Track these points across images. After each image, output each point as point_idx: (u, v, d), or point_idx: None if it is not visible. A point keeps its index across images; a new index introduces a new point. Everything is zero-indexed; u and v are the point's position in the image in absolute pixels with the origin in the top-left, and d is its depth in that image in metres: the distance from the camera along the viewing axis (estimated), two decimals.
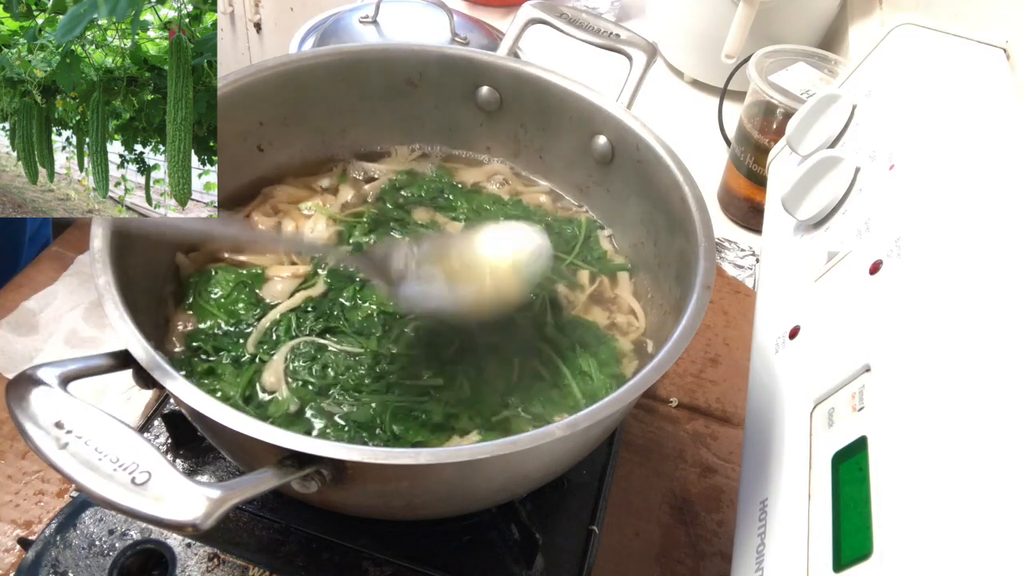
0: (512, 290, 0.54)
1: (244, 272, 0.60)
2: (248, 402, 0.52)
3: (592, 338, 0.60)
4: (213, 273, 0.59)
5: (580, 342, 0.59)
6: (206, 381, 0.53)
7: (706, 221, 0.54)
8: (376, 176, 0.70)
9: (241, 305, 0.58)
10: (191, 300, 0.58)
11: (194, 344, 0.55)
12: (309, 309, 0.58)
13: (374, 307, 0.58)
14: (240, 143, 0.65)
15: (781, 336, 0.53)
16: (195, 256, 0.61)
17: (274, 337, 0.56)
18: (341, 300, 0.59)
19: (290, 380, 0.53)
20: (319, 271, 0.61)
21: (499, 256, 0.54)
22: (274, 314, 0.57)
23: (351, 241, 0.64)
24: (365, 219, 0.66)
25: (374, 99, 0.69)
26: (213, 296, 0.58)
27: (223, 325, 0.57)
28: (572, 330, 0.60)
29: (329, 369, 0.54)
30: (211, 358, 0.55)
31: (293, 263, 0.62)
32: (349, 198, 0.68)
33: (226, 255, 0.62)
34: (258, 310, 0.58)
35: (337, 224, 0.65)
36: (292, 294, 0.59)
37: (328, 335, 0.57)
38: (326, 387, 0.53)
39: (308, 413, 0.52)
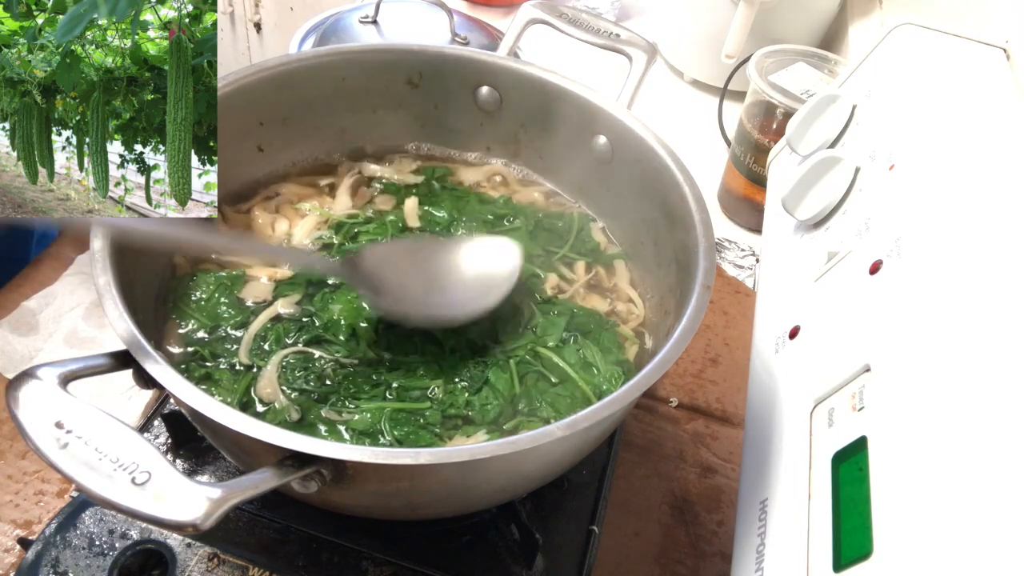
0: (488, 302, 0.57)
1: (224, 274, 0.59)
2: (244, 410, 0.52)
3: (593, 325, 0.60)
4: (193, 277, 0.59)
5: (580, 331, 0.59)
6: (203, 387, 0.53)
7: (706, 221, 0.54)
8: (374, 175, 0.70)
9: (223, 308, 0.57)
10: (172, 304, 0.57)
11: (191, 349, 0.55)
12: (286, 319, 0.57)
13: (344, 317, 0.57)
14: (240, 143, 0.65)
15: (781, 336, 0.53)
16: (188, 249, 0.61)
17: (265, 347, 0.56)
18: (313, 307, 0.58)
19: (286, 389, 0.53)
20: (295, 277, 0.60)
21: (479, 270, 0.58)
22: (259, 323, 0.57)
23: (340, 247, 0.64)
24: (359, 218, 0.66)
25: (374, 99, 0.69)
26: (194, 299, 0.58)
27: (211, 330, 0.56)
28: (569, 320, 0.60)
29: (326, 377, 0.54)
30: (208, 364, 0.54)
31: (273, 265, 0.62)
32: (346, 197, 0.68)
33: (214, 255, 0.62)
34: (239, 314, 0.57)
35: (328, 227, 0.65)
36: (272, 299, 0.59)
37: (314, 345, 0.56)
38: (324, 395, 0.53)
39: (310, 422, 0.52)
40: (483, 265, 0.59)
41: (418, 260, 0.59)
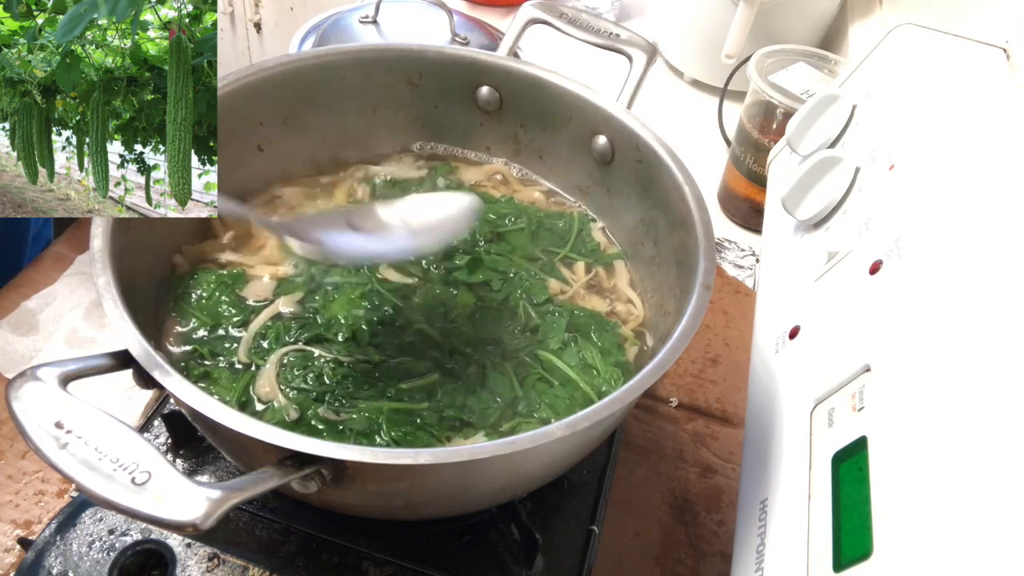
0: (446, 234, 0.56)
1: (225, 273, 0.60)
2: (243, 409, 0.52)
3: (594, 326, 0.60)
4: (194, 275, 0.59)
5: (580, 332, 0.59)
6: (202, 385, 0.53)
7: (706, 221, 0.54)
8: (376, 175, 0.70)
9: (224, 307, 0.57)
10: (173, 303, 0.57)
11: (190, 347, 0.55)
12: (287, 317, 0.57)
13: (344, 316, 0.57)
14: (240, 143, 0.65)
15: (781, 336, 0.53)
16: (188, 250, 0.61)
17: (264, 345, 0.56)
18: (315, 305, 0.58)
19: (283, 387, 0.53)
20: (298, 276, 0.61)
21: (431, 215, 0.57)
22: (259, 321, 0.57)
23: None
24: None
25: (374, 99, 0.69)
26: (194, 298, 0.58)
27: (212, 328, 0.56)
28: (570, 321, 0.60)
29: (324, 377, 0.54)
30: (207, 362, 0.54)
31: (274, 264, 0.62)
32: (344, 198, 0.68)
33: (217, 255, 0.62)
34: (240, 312, 0.57)
35: None
36: (273, 297, 0.59)
37: (315, 343, 0.56)
38: (322, 394, 0.53)
39: (308, 421, 0.52)
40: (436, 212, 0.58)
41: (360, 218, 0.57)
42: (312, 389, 0.53)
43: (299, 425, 0.51)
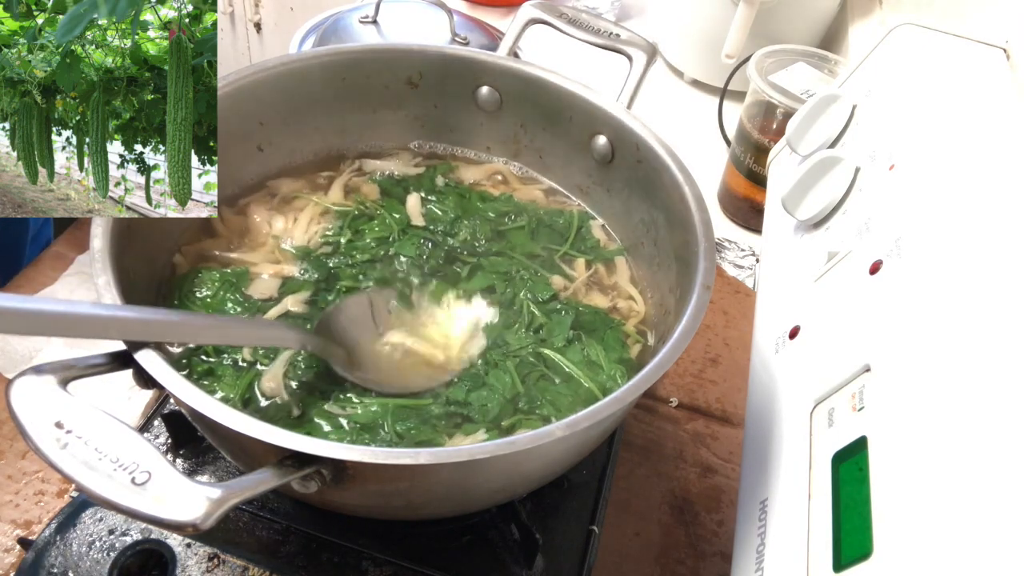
0: (455, 368, 0.57)
1: (228, 271, 0.60)
2: (247, 405, 0.52)
3: (598, 323, 0.60)
4: (198, 274, 0.59)
5: (584, 329, 0.59)
6: (205, 382, 0.53)
7: (706, 221, 0.54)
8: (375, 170, 0.71)
9: (230, 305, 0.58)
10: (176, 302, 0.57)
11: (194, 345, 0.55)
12: (295, 315, 0.57)
13: None
14: (240, 143, 0.65)
15: (781, 336, 0.53)
16: (187, 250, 0.61)
17: None
18: (325, 304, 0.58)
19: (290, 384, 0.53)
20: (303, 275, 0.61)
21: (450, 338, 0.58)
22: (268, 318, 0.57)
23: (349, 243, 0.63)
24: (354, 209, 0.66)
25: (374, 99, 0.69)
26: (199, 296, 0.58)
27: None
28: (575, 319, 0.60)
29: (331, 374, 0.54)
30: (211, 359, 0.54)
31: (277, 261, 0.62)
32: (339, 192, 0.68)
33: (217, 253, 0.62)
34: (246, 311, 0.57)
35: (330, 217, 0.65)
36: (279, 296, 0.59)
37: None
38: (328, 391, 0.53)
39: (312, 417, 0.52)
40: (453, 328, 0.59)
41: (387, 318, 0.59)
42: (318, 386, 0.53)
43: (303, 421, 0.51)
